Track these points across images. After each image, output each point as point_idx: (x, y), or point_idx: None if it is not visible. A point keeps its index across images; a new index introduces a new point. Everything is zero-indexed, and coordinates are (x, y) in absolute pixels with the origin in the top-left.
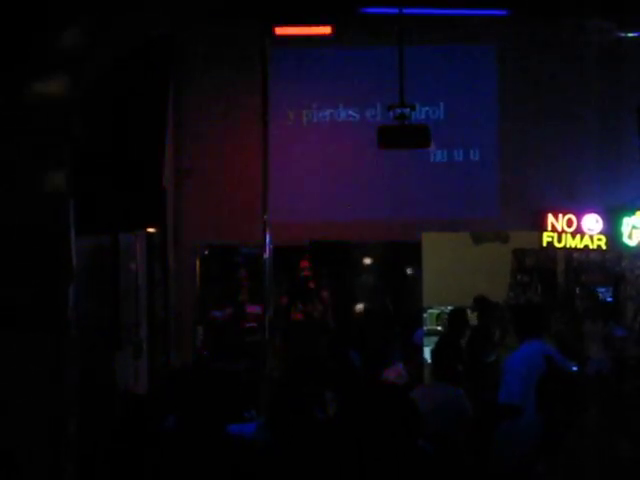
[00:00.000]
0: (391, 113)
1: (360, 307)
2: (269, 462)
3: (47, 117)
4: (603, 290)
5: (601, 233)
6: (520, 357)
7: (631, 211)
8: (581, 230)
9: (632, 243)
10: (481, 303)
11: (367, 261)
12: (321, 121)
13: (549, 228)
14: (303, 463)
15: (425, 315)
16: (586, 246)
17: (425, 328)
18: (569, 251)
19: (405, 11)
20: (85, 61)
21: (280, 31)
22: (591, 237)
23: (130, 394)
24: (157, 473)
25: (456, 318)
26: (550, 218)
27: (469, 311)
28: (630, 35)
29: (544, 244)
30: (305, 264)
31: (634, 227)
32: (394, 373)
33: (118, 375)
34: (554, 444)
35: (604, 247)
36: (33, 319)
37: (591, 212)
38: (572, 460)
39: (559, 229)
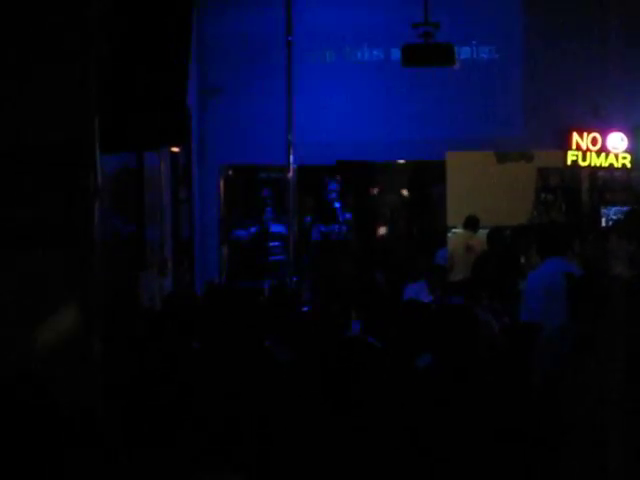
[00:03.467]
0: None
1: (383, 230)
2: (297, 382)
3: (71, 36)
4: (627, 209)
5: (626, 151)
6: (539, 276)
7: None
8: (606, 148)
9: None
10: (474, 225)
11: (392, 180)
12: (345, 62)
13: (574, 147)
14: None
15: (449, 234)
16: (611, 165)
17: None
18: (594, 170)
19: None
20: None
21: None
22: (616, 155)
23: (154, 312)
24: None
25: (493, 239)
26: (575, 136)
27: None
28: None
29: (569, 163)
30: (332, 186)
31: None
32: (417, 290)
33: (143, 293)
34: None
35: (629, 165)
36: (58, 236)
37: (616, 130)
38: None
39: (584, 147)
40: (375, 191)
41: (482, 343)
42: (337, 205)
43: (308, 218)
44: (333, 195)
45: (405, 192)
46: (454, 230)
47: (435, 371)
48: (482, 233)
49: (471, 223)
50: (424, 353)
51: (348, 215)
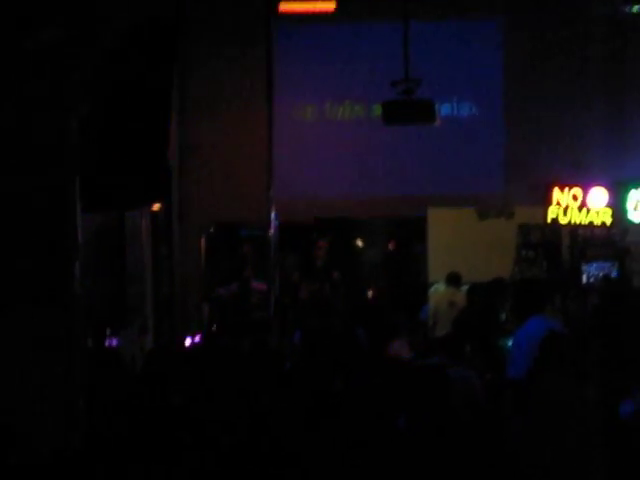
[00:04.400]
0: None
1: (365, 287)
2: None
3: (54, 94)
4: (608, 265)
5: (607, 207)
6: (526, 334)
7: (636, 186)
8: (586, 204)
9: (637, 218)
10: (456, 282)
11: (372, 238)
12: (326, 118)
13: (554, 202)
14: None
15: (430, 290)
16: (591, 221)
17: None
18: (574, 226)
19: None
20: (93, 37)
21: (284, 8)
22: (597, 211)
23: (134, 371)
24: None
25: (473, 296)
26: (556, 192)
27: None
28: (634, 9)
29: (549, 219)
30: (321, 244)
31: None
32: (399, 348)
33: (123, 352)
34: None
35: (609, 221)
36: (40, 294)
37: (597, 186)
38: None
39: (564, 204)
40: (356, 247)
41: (460, 401)
42: (322, 265)
43: (295, 275)
44: (320, 252)
45: (389, 247)
46: (435, 286)
47: (408, 430)
48: (465, 289)
49: (453, 279)
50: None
51: (335, 273)
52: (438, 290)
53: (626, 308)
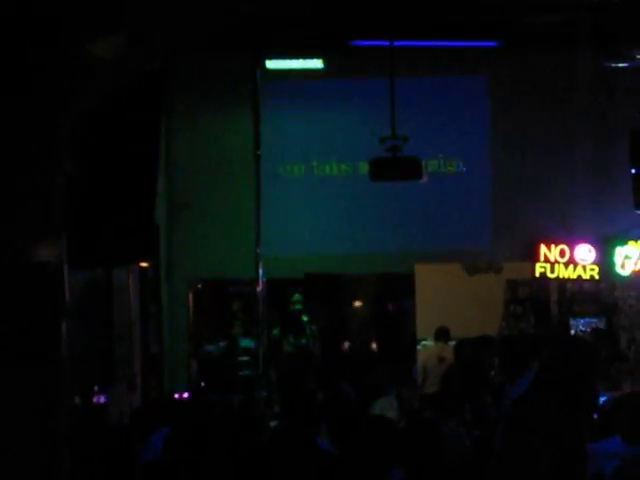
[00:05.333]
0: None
1: (349, 343)
2: None
3: (39, 151)
4: (596, 320)
5: (594, 263)
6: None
7: (624, 241)
8: (574, 260)
9: (625, 273)
10: (445, 336)
11: (360, 293)
12: (313, 176)
13: (542, 259)
14: None
15: (419, 347)
16: (579, 276)
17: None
18: (562, 281)
19: (396, 43)
20: (79, 94)
21: (272, 65)
22: (584, 267)
23: (122, 428)
24: None
25: (459, 352)
26: (543, 249)
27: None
28: (620, 66)
29: (537, 275)
30: (297, 298)
31: (627, 257)
32: (387, 405)
33: (112, 409)
34: None
35: (597, 277)
36: (26, 354)
37: (584, 242)
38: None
39: (552, 259)
40: (343, 303)
41: (450, 456)
42: (305, 318)
43: (277, 331)
44: (298, 307)
45: (377, 303)
46: (424, 342)
47: None
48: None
49: (442, 334)
50: (395, 468)
51: (313, 327)
52: (427, 346)
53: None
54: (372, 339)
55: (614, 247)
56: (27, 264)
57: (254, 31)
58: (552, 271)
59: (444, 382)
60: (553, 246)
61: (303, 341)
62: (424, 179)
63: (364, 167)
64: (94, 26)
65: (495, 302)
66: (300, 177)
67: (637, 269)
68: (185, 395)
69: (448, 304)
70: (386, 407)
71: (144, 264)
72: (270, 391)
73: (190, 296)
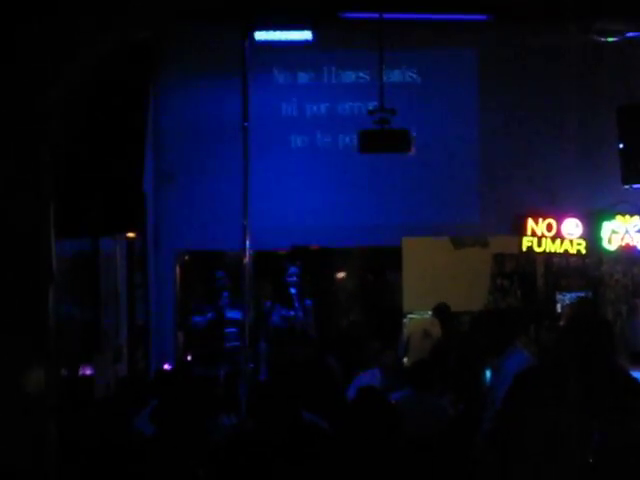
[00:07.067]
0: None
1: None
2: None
3: (27, 120)
4: (582, 294)
5: (581, 237)
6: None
7: (611, 215)
8: (561, 235)
9: (612, 247)
10: (444, 312)
11: (347, 266)
12: (300, 146)
13: (529, 233)
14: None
15: (405, 320)
16: (566, 251)
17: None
18: (549, 255)
19: (385, 16)
20: (65, 63)
21: (260, 36)
22: (571, 242)
23: (107, 399)
24: None
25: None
26: (530, 223)
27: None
28: (609, 40)
29: (524, 249)
30: (293, 270)
31: (614, 232)
32: (369, 377)
33: (97, 379)
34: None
35: (584, 251)
36: (13, 321)
37: (571, 216)
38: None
39: (539, 234)
40: (331, 276)
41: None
42: (294, 290)
43: (268, 303)
44: (292, 279)
45: (364, 276)
46: (410, 316)
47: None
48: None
49: (441, 311)
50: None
51: (307, 302)
52: (414, 319)
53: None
54: (359, 312)
55: (601, 222)
56: (14, 231)
57: (243, 2)
58: (539, 245)
59: (431, 354)
60: (540, 220)
61: (292, 314)
62: (412, 152)
63: (352, 139)
64: None
65: (482, 276)
66: (288, 149)
67: (624, 244)
68: (167, 367)
69: (435, 278)
70: (369, 380)
71: (131, 234)
72: (257, 363)
73: (177, 267)
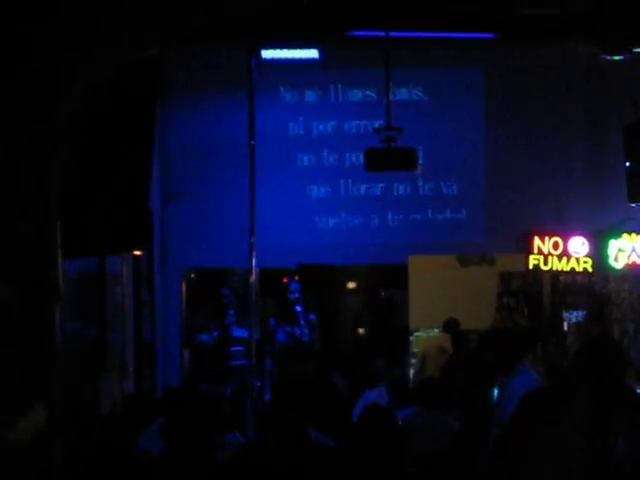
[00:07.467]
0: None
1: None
2: None
3: (34, 139)
4: (588, 313)
5: (587, 256)
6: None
7: (617, 234)
8: (567, 253)
9: (618, 266)
10: (453, 327)
11: (354, 284)
12: (307, 165)
13: (535, 251)
14: None
15: (411, 338)
16: (572, 269)
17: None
18: (555, 274)
19: (392, 34)
20: (72, 81)
21: (267, 54)
22: (577, 260)
23: (114, 417)
24: None
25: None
26: (536, 241)
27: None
28: (615, 58)
29: (530, 267)
30: (294, 287)
31: (620, 250)
32: (376, 395)
33: (103, 397)
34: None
35: (590, 270)
36: (19, 339)
37: (577, 235)
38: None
39: (545, 252)
40: (337, 294)
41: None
42: (299, 308)
43: (272, 321)
44: (294, 295)
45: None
46: (416, 334)
47: None
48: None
49: (451, 326)
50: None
51: (311, 317)
52: (429, 335)
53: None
54: (365, 330)
55: (608, 240)
56: (21, 250)
57: (250, 20)
58: (545, 263)
59: (443, 371)
60: (547, 238)
61: (297, 331)
62: (418, 170)
63: (359, 158)
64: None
65: (488, 294)
66: (295, 167)
67: (630, 262)
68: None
69: (441, 296)
70: (375, 398)
71: (138, 252)
72: (263, 381)
73: (183, 285)
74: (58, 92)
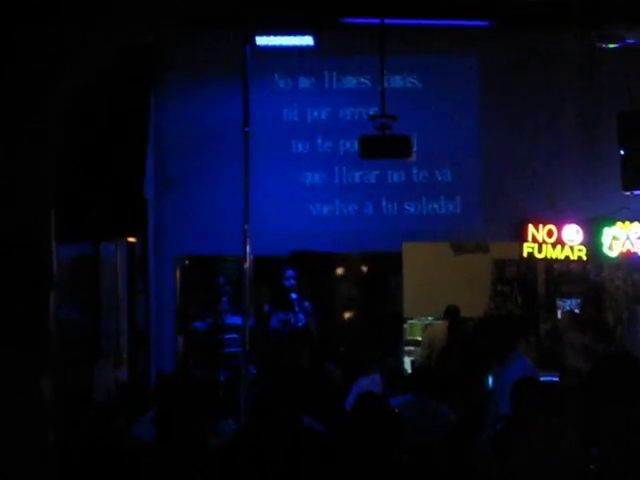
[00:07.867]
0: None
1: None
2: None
3: (28, 125)
4: (583, 300)
5: (581, 244)
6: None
7: (611, 222)
8: (561, 241)
9: (612, 254)
10: (453, 314)
11: (347, 271)
12: (301, 151)
13: (529, 239)
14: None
15: (405, 326)
16: (567, 257)
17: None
18: (549, 262)
19: (386, 21)
20: (66, 67)
21: (261, 41)
22: (571, 248)
23: (108, 404)
24: None
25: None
26: (530, 229)
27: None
28: (610, 46)
29: (524, 255)
30: (290, 273)
31: (614, 238)
32: (370, 382)
33: (98, 384)
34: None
35: (584, 258)
36: (13, 326)
37: (571, 223)
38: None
39: (540, 240)
40: (330, 281)
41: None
42: (294, 295)
43: (267, 307)
44: (290, 282)
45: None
46: (410, 321)
47: None
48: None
49: (452, 313)
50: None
51: (307, 305)
52: (435, 323)
53: None
54: (359, 318)
55: (602, 228)
56: (14, 237)
57: (244, 7)
58: (540, 251)
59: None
60: (541, 226)
61: (292, 318)
62: (413, 157)
63: (353, 145)
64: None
65: (482, 282)
66: (289, 154)
67: (624, 250)
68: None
69: (435, 283)
70: (369, 385)
71: (132, 239)
72: (257, 368)
73: (177, 272)
74: (50, 79)
